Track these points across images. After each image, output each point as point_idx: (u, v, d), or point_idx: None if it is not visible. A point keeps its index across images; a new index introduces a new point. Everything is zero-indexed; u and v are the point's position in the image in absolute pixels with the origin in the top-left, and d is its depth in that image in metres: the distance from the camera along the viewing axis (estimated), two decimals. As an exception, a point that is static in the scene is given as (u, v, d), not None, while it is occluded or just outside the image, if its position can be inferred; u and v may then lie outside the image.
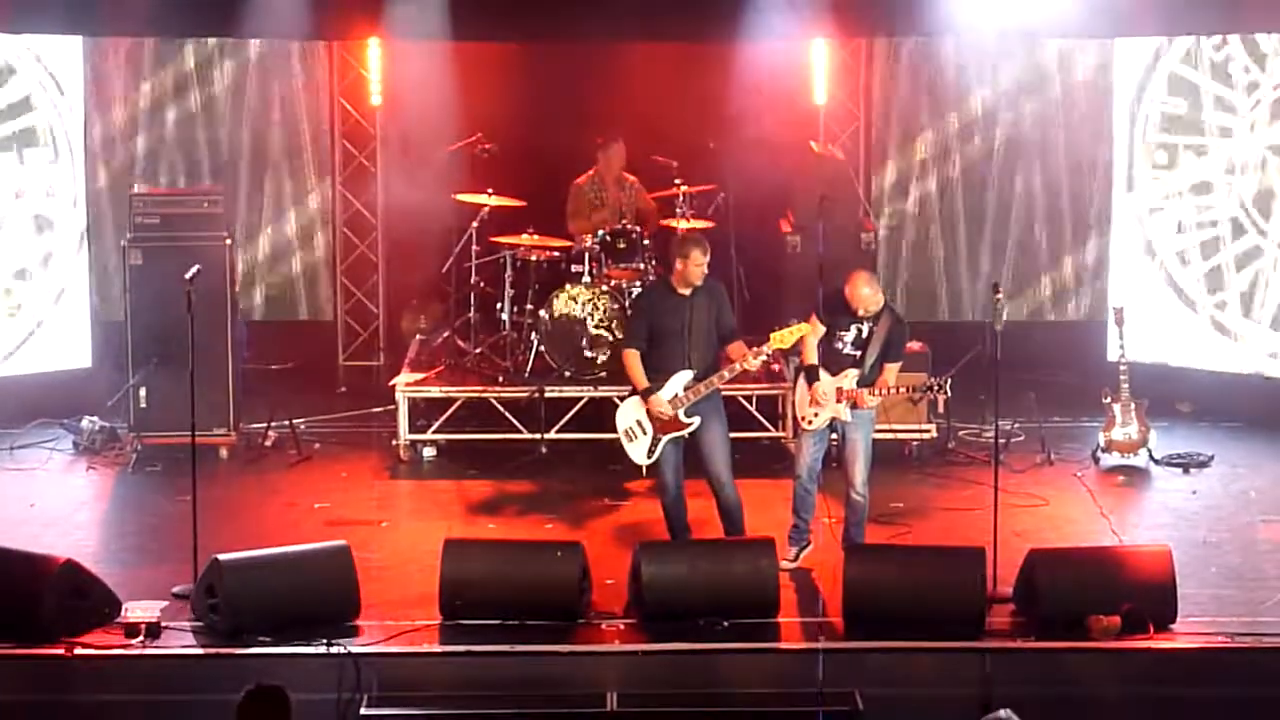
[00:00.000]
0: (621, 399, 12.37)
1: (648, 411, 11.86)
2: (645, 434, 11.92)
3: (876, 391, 11.74)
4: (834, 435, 12.03)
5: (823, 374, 11.76)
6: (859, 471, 11.81)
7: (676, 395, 11.80)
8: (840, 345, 11.77)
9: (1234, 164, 15.45)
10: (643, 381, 11.85)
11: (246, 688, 7.91)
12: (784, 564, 11.63)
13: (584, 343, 14.38)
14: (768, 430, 14.28)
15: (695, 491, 12.17)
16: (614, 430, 12.24)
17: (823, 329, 11.77)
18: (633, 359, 11.93)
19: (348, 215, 16.86)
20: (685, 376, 11.81)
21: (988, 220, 17.01)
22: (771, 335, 11.79)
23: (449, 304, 15.50)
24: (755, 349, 11.75)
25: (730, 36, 14.46)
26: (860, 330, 11.75)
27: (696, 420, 11.82)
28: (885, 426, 13.18)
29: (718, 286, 12.09)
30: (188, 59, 16.66)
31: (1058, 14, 14.19)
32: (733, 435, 12.11)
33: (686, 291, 11.87)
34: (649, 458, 12.01)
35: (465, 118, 15.62)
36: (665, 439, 11.87)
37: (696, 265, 11.80)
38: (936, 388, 11.99)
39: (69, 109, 15.48)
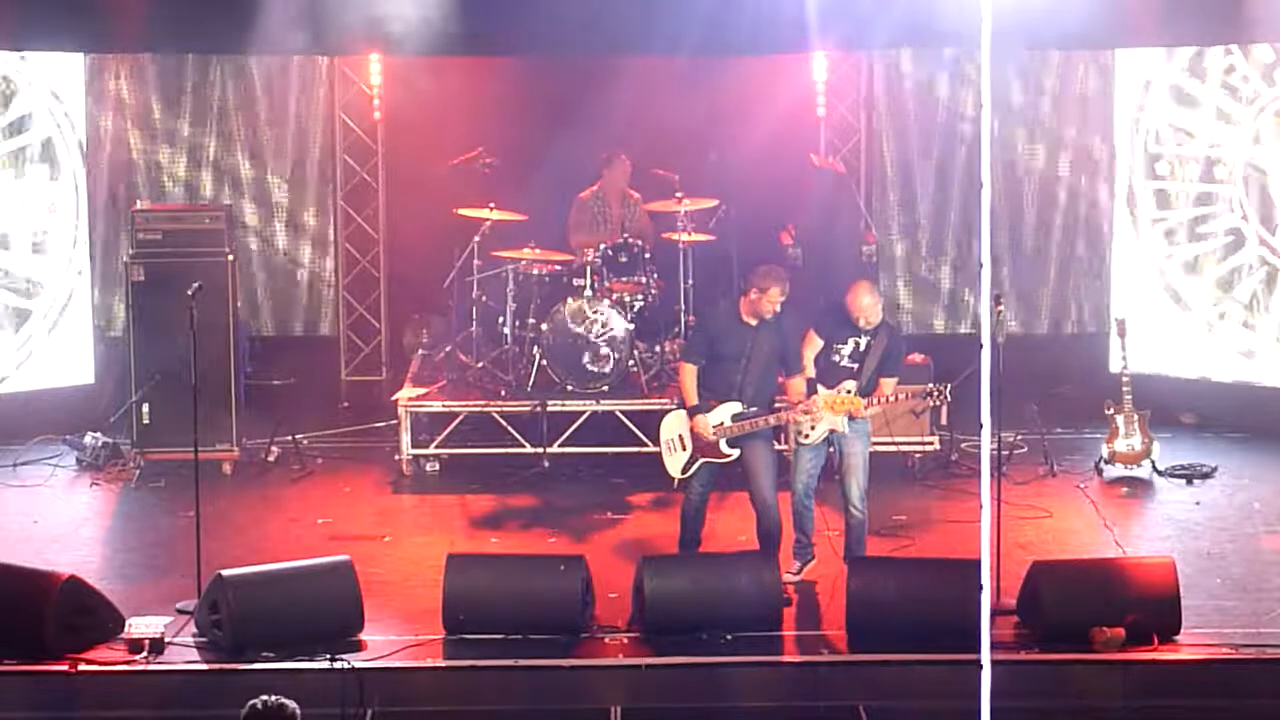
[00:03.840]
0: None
1: (690, 429, 11.87)
2: (684, 450, 11.86)
3: (874, 402, 11.74)
4: (832, 449, 12.02)
5: (820, 387, 11.75)
6: (855, 487, 11.80)
7: (722, 423, 11.73)
8: (837, 358, 11.77)
9: (1236, 175, 15.46)
10: (693, 399, 11.76)
11: (251, 702, 7.90)
12: (787, 577, 11.64)
13: (586, 357, 14.38)
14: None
15: (719, 506, 12.18)
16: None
17: (820, 343, 11.78)
18: (688, 374, 11.82)
19: (349, 231, 16.87)
20: (734, 407, 11.73)
21: (989, 231, 16.98)
22: (821, 391, 11.68)
23: (451, 319, 15.50)
24: (804, 405, 11.66)
25: (732, 50, 14.47)
26: (858, 343, 11.76)
27: (736, 453, 11.75)
28: (888, 439, 13.20)
29: (788, 320, 11.81)
30: (189, 75, 16.67)
31: (1059, 25, 14.20)
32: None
33: (753, 322, 11.74)
34: (683, 473, 11.94)
35: (466, 132, 15.62)
36: (702, 461, 11.83)
37: (771, 302, 11.63)
38: (937, 394, 11.97)
39: (71, 126, 15.49)
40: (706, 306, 13.85)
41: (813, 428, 11.76)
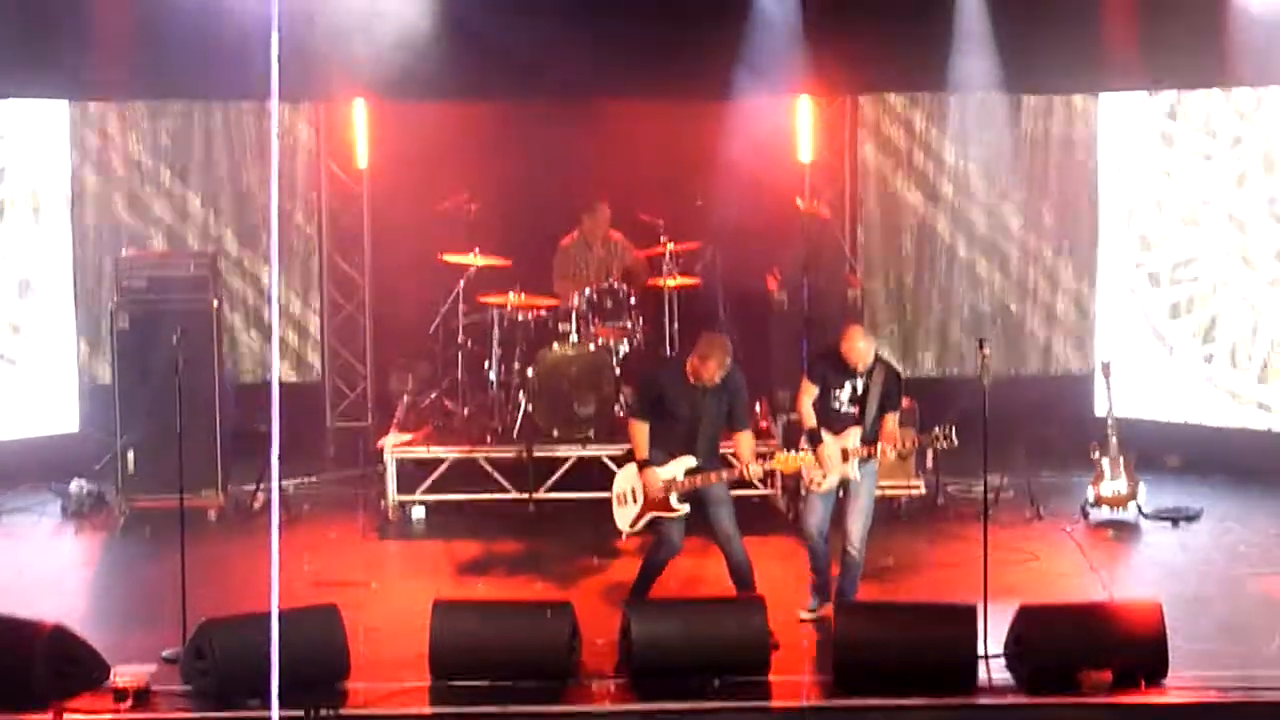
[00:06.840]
0: (612, 459, 12.37)
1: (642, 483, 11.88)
2: (635, 503, 11.90)
3: (895, 446, 11.78)
4: (841, 492, 12.02)
5: (825, 436, 11.77)
6: (857, 529, 11.82)
7: (675, 478, 11.75)
8: (837, 405, 11.77)
9: (1219, 218, 15.50)
10: (644, 454, 11.80)
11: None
12: (803, 614, 11.84)
13: (572, 402, 14.38)
14: (757, 488, 14.23)
15: (706, 551, 12.21)
16: (603, 490, 12.22)
17: (815, 390, 11.79)
18: (639, 430, 11.83)
19: (335, 276, 16.86)
20: (688, 462, 11.76)
21: (973, 275, 17.02)
22: (777, 455, 11.84)
23: (436, 364, 15.51)
24: (760, 461, 11.79)
25: (716, 95, 14.52)
26: (854, 386, 11.76)
27: (685, 508, 11.78)
28: (874, 483, 13.20)
29: (735, 377, 11.82)
30: (173, 122, 16.63)
31: (1041, 71, 14.27)
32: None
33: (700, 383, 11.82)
34: (631, 527, 12.00)
35: (451, 178, 15.63)
36: (650, 515, 11.86)
37: (710, 374, 11.63)
38: (942, 436, 11.93)
39: (55, 173, 15.49)
40: (654, 366, 13.76)
41: (824, 477, 11.77)
